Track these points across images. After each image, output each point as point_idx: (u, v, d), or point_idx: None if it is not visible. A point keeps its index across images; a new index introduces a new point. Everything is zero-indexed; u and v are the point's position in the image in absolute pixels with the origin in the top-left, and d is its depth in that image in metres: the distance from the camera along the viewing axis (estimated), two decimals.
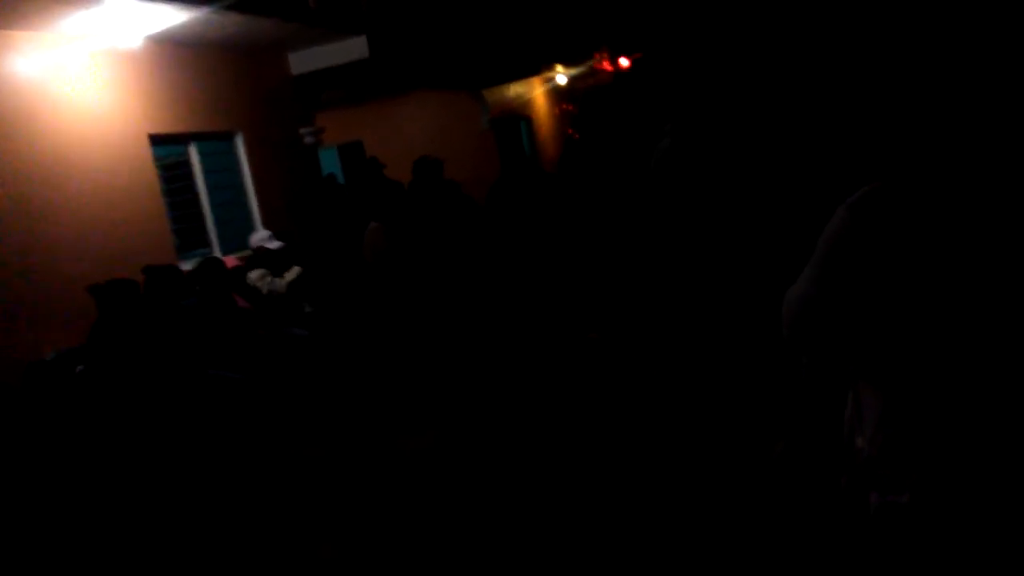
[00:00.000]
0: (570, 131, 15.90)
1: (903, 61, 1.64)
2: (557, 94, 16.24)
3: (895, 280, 1.43)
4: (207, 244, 7.10)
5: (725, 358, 5.09)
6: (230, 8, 6.46)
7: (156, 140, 6.60)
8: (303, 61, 8.52)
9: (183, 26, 6.34)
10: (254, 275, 6.46)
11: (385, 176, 8.87)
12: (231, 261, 6.38)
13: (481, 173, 10.98)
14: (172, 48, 6.82)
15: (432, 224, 8.52)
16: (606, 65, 16.35)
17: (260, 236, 6.70)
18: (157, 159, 6.61)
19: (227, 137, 7.55)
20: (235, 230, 7.33)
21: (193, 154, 7.09)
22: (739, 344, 5.08)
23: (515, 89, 14.21)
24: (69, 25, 5.69)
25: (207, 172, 7.17)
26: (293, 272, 6.65)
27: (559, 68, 14.86)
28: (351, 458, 4.82)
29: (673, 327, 6.07)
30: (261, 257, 6.59)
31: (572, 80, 15.61)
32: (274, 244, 6.60)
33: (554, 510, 3.76)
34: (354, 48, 8.38)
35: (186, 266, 6.13)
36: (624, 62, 16.68)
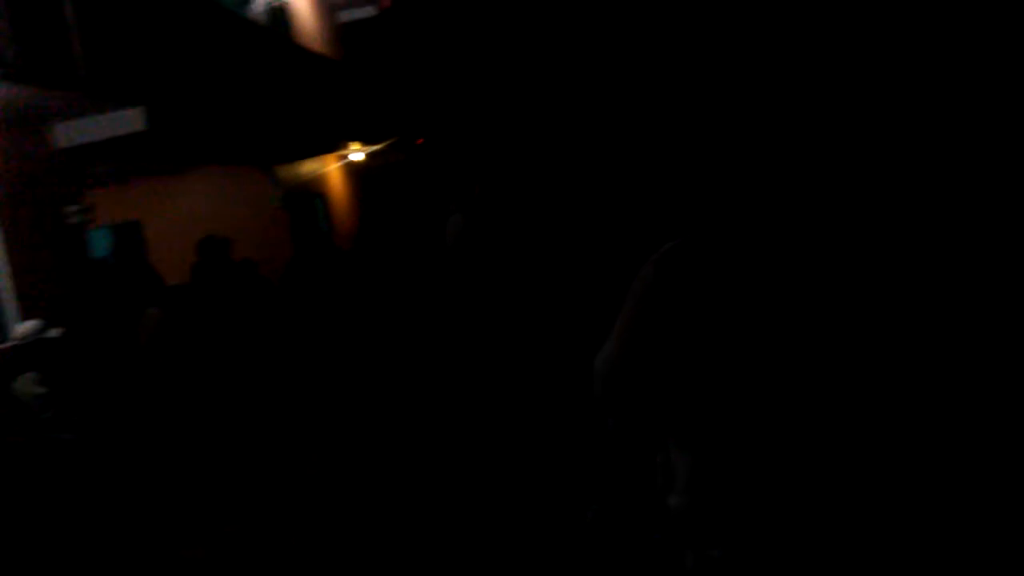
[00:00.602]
0: (366, 205, 15.75)
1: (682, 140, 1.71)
2: (353, 171, 16.05)
3: (696, 333, 1.44)
4: None
5: (534, 428, 5.04)
6: None
7: None
8: (71, 133, 7.78)
9: None
10: (26, 385, 5.61)
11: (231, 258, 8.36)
12: None
13: (274, 252, 10.50)
14: None
15: (220, 308, 8.01)
16: (400, 145, 16.42)
17: (31, 326, 5.85)
18: None
19: None
20: None
21: None
22: (547, 412, 5.05)
23: (309, 165, 13.86)
24: None
25: None
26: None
27: (355, 146, 14.69)
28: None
29: (479, 406, 5.96)
30: (37, 351, 5.73)
31: (368, 157, 15.49)
32: (53, 332, 5.76)
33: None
34: (130, 119, 7.78)
35: None
36: (419, 142, 16.88)
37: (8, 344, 6.04)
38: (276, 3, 13.78)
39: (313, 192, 14.13)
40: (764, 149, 1.54)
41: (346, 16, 16.90)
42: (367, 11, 16.57)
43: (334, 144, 13.81)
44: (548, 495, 4.12)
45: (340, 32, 16.79)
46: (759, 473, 1.45)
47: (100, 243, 8.73)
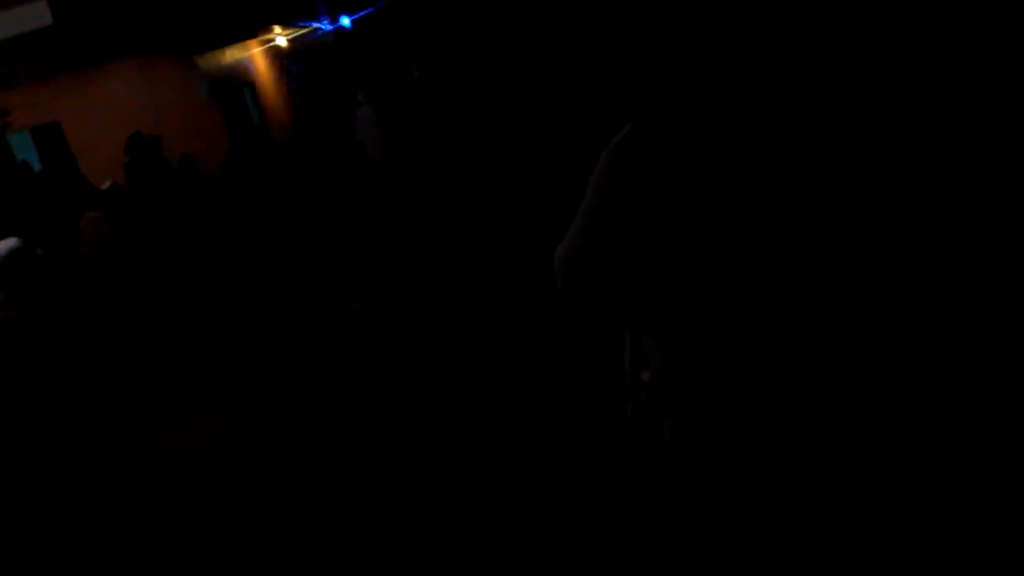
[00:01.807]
0: (293, 93, 15.18)
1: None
2: (279, 57, 15.38)
3: (661, 214, 1.42)
4: None
5: (493, 312, 5.04)
6: None
7: None
8: None
9: None
10: None
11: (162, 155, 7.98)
12: None
13: (208, 147, 10.12)
14: None
15: (160, 207, 7.76)
16: (325, 26, 15.71)
17: None
18: None
19: None
20: None
21: None
22: (506, 295, 5.04)
23: (233, 54, 13.22)
24: None
25: None
26: None
27: (277, 29, 14.02)
28: (98, 468, 4.24)
29: (434, 287, 5.94)
30: None
31: (292, 42, 14.83)
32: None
33: (342, 479, 3.48)
34: (34, 14, 7.28)
35: None
36: (345, 21, 16.15)
37: None
38: None
39: (241, 81, 13.54)
40: (734, 26, 1.49)
41: None
42: None
43: (255, 29, 13.16)
44: (515, 370, 4.14)
45: None
46: (734, 342, 1.46)
47: (21, 147, 8.32)
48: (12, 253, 5.60)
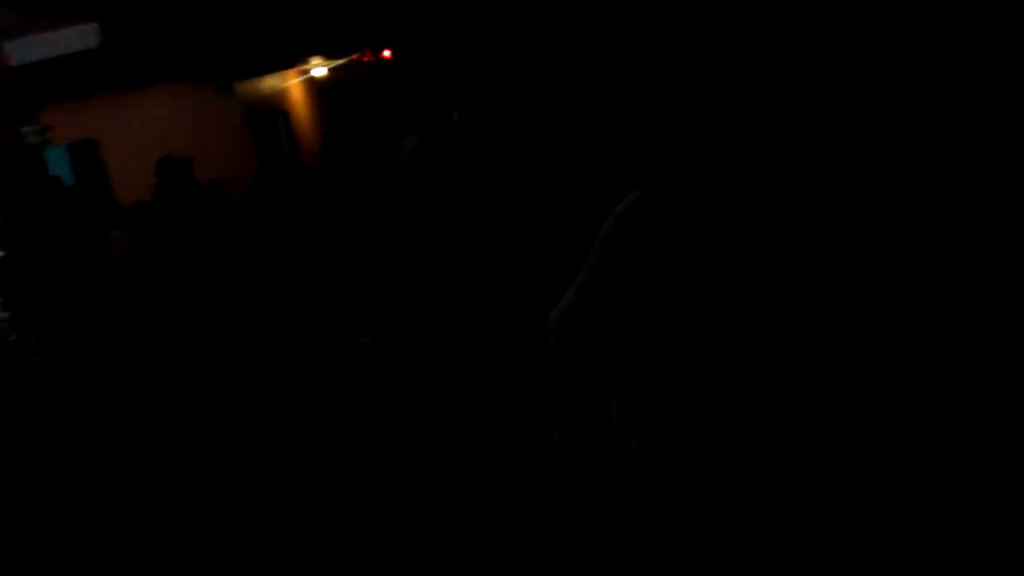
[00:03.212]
0: (330, 121, 15.48)
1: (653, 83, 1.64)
2: (316, 87, 15.73)
3: (660, 285, 1.44)
4: None
5: (493, 357, 5.14)
6: None
7: None
8: (24, 50, 7.57)
9: None
10: None
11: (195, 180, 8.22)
12: None
13: (238, 171, 10.38)
14: None
15: (185, 229, 7.96)
16: (367, 58, 16.04)
17: None
18: None
19: None
20: None
21: None
22: (505, 343, 5.14)
23: (270, 82, 13.57)
24: None
25: None
26: None
27: (316, 60, 14.37)
28: (110, 488, 4.37)
29: (443, 325, 6.05)
30: None
31: (332, 72, 15.17)
32: None
33: (341, 520, 3.60)
34: (85, 36, 7.59)
35: None
36: (387, 54, 16.48)
37: None
38: None
39: (275, 109, 13.88)
40: (737, 98, 1.52)
41: None
42: None
43: (294, 59, 13.52)
44: (512, 421, 4.23)
45: None
46: (719, 421, 1.46)
47: (57, 162, 8.59)
48: None
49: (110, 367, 6.07)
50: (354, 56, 15.34)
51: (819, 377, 1.44)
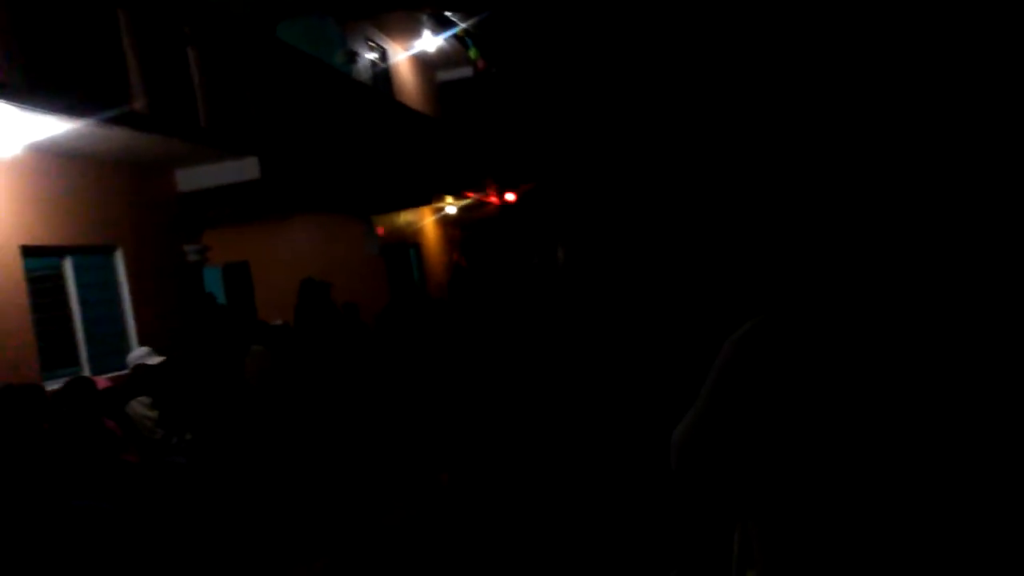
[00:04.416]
0: (456, 257, 16.12)
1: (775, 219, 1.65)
2: (446, 223, 16.50)
3: (775, 413, 1.44)
4: (76, 363, 6.64)
5: (608, 488, 5.04)
6: (115, 122, 6.30)
7: (29, 252, 6.23)
8: (191, 178, 8.35)
9: (65, 137, 6.12)
10: (138, 407, 6.02)
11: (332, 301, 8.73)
12: (102, 382, 5.97)
13: (370, 298, 10.88)
14: (53, 158, 6.56)
15: (319, 349, 8.32)
16: (493, 199, 16.84)
17: (139, 353, 6.34)
18: (28, 271, 6.22)
19: (106, 251, 7.22)
20: (108, 348, 6.91)
21: (68, 267, 6.72)
22: (622, 471, 5.04)
23: (405, 216, 14.34)
24: None
25: (82, 286, 6.79)
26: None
27: (449, 199, 15.15)
28: None
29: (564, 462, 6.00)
30: (141, 376, 6.19)
31: (461, 210, 15.93)
32: (154, 359, 6.24)
33: None
34: (245, 168, 8.28)
35: (52, 386, 5.67)
36: (510, 197, 17.25)
37: (118, 374, 6.48)
38: (380, 65, 14.48)
39: (408, 242, 14.60)
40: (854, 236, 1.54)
41: (445, 76, 17.59)
42: (464, 72, 17.22)
43: (429, 197, 14.28)
44: (630, 554, 4.13)
45: (438, 91, 17.46)
46: (836, 550, 1.43)
47: (213, 280, 9.23)
48: (142, 363, 6.20)
49: (242, 471, 6.30)
50: (481, 197, 16.13)
51: (942, 508, 1.39)
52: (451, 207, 15.49)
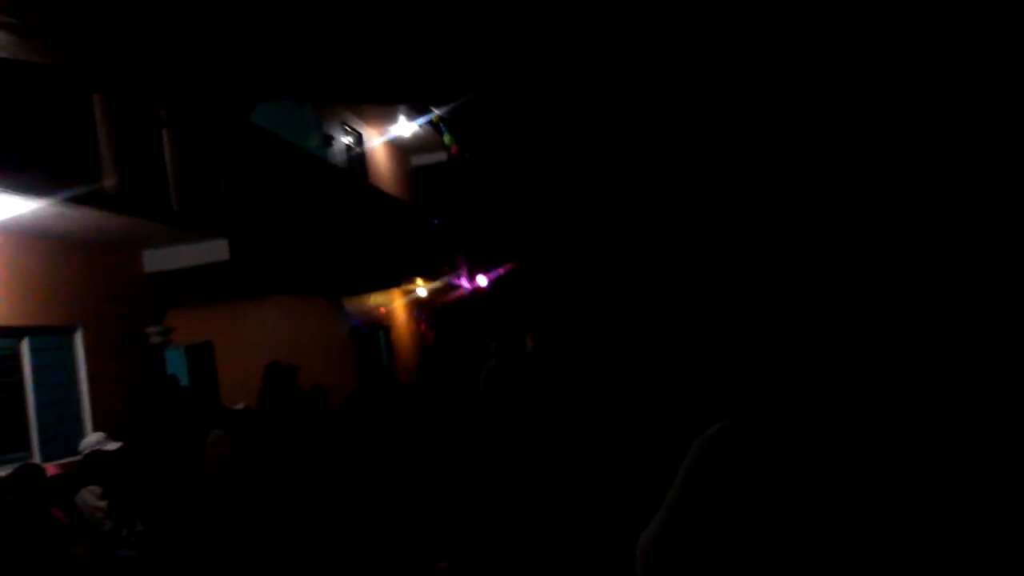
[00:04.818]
0: (424, 329, 16.05)
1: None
2: (416, 306, 16.47)
3: (745, 517, 1.44)
4: (26, 448, 6.42)
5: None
6: (85, 202, 6.24)
7: None
8: (159, 259, 8.26)
9: (31, 216, 6.04)
10: (88, 496, 5.80)
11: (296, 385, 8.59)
12: (51, 469, 5.76)
13: (337, 381, 10.73)
14: (18, 237, 6.46)
15: (281, 435, 8.15)
16: (463, 282, 16.89)
17: (93, 439, 6.15)
18: None
19: (66, 332, 7.06)
20: (61, 433, 6.69)
21: (25, 348, 6.56)
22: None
23: (375, 299, 14.29)
24: None
25: (38, 368, 6.62)
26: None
27: (419, 281, 15.15)
28: None
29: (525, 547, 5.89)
30: (94, 463, 5.98)
31: (431, 293, 15.92)
32: (110, 445, 6.04)
33: None
34: (215, 250, 8.22)
35: None
36: (481, 280, 17.31)
37: (69, 460, 6.27)
38: (355, 150, 14.65)
39: (378, 324, 14.51)
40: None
41: (419, 160, 17.81)
42: (438, 156, 17.45)
43: (400, 279, 14.28)
44: None
45: (412, 174, 17.64)
46: None
47: (175, 362, 9.07)
48: (96, 449, 5.98)
49: (195, 564, 6.06)
50: (452, 280, 16.18)
51: None
52: (421, 289, 15.49)
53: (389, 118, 15.31)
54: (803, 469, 1.43)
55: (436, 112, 15.22)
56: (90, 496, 5.83)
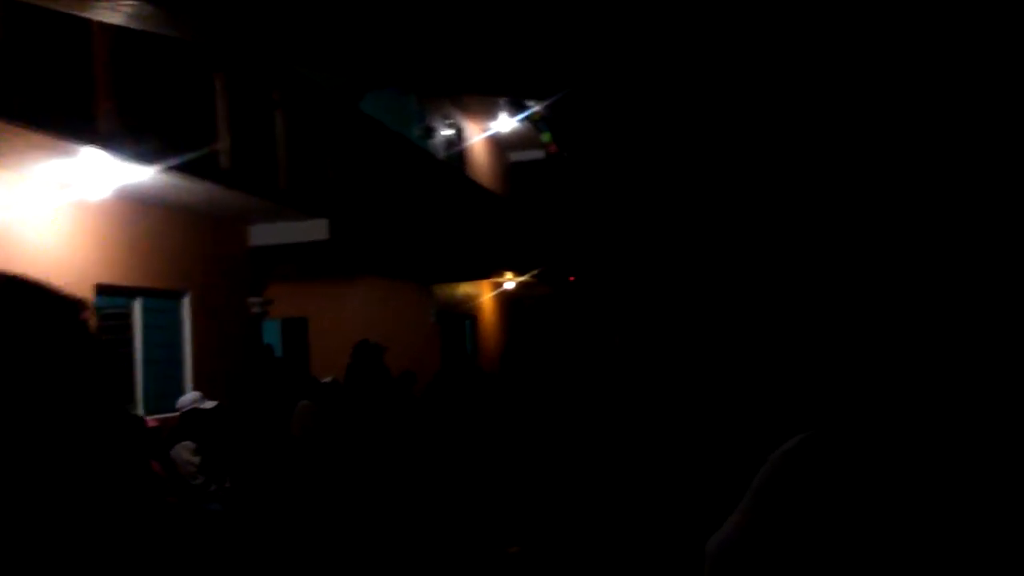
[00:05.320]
0: (511, 337, 16.23)
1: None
2: (503, 298, 16.67)
3: (818, 534, 1.43)
4: (130, 400, 6.85)
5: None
6: (200, 175, 6.64)
7: (102, 290, 6.53)
8: (263, 234, 8.68)
9: (151, 185, 6.45)
10: (183, 452, 6.15)
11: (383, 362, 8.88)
12: (150, 422, 6.15)
13: (422, 366, 11.01)
14: (136, 204, 6.91)
15: (367, 412, 8.41)
16: (555, 281, 16.99)
17: (191, 397, 6.51)
18: (98, 308, 6.51)
19: (175, 296, 7.51)
20: (163, 391, 7.13)
21: (136, 309, 7.01)
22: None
23: (464, 288, 14.56)
24: (41, 170, 5.77)
25: (147, 327, 7.07)
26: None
27: (508, 275, 15.34)
28: None
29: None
30: (190, 421, 6.35)
31: (519, 287, 16.08)
32: (206, 404, 6.40)
33: None
34: (315, 229, 8.58)
35: None
36: (571, 278, 17.39)
37: (167, 415, 6.66)
38: (456, 143, 14.95)
39: (464, 313, 14.78)
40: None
41: (516, 156, 18.03)
42: (536, 154, 17.63)
43: (489, 271, 14.50)
44: None
45: (509, 170, 17.88)
46: None
47: (271, 333, 9.48)
48: (195, 407, 6.31)
49: (276, 524, 6.34)
50: (543, 278, 16.29)
51: None
52: (510, 283, 15.68)
53: (490, 113, 15.56)
54: (881, 488, 1.43)
55: (536, 109, 15.37)
56: (185, 451, 6.19)
